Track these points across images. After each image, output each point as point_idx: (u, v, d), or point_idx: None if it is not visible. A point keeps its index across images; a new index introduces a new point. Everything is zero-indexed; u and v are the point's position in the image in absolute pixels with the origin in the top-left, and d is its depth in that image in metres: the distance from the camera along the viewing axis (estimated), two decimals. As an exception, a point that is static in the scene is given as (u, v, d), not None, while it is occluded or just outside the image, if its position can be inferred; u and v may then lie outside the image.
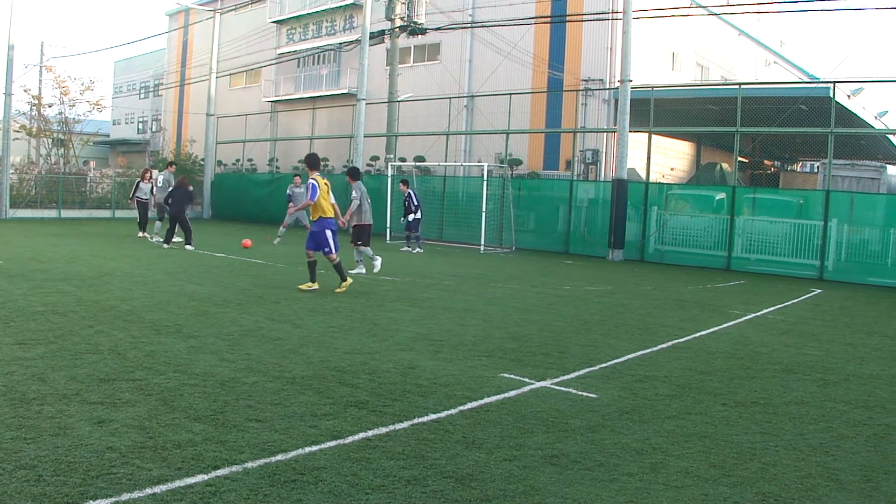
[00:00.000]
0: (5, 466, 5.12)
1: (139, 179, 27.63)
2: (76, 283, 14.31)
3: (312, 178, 14.02)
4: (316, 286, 14.36)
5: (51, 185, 40.57)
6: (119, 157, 65.58)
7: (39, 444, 5.59)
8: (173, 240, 22.84)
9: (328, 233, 14.16)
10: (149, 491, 4.84)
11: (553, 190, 28.78)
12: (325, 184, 14.19)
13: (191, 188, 24.35)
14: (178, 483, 4.98)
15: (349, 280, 14.55)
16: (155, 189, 26.06)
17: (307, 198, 14.09)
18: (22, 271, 15.72)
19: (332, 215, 14.30)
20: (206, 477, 5.11)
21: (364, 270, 17.59)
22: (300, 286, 14.48)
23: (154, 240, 24.41)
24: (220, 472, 5.21)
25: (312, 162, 14.47)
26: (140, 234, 26.65)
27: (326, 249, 14.13)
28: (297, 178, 27.39)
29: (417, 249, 24.51)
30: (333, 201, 14.44)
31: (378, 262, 17.37)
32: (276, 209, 38.13)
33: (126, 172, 44.94)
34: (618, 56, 29.90)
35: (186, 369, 8.01)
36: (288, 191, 26.98)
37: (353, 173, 17.59)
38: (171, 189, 23.59)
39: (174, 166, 27.09)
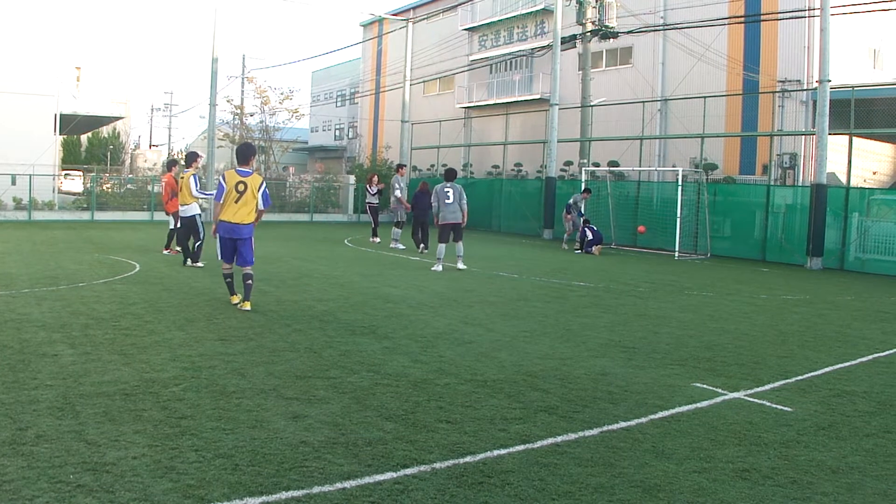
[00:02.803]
0: (205, 455, 5.51)
1: (367, 185, 28.16)
2: (276, 283, 15.03)
3: (222, 174, 12.20)
4: (236, 300, 12.32)
5: (252, 190, 42.42)
6: (317, 163, 67.88)
7: (237, 435, 5.98)
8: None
9: (217, 237, 12.08)
10: (339, 485, 5.07)
11: (749, 195, 28.02)
12: (242, 182, 11.86)
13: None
14: (367, 479, 5.19)
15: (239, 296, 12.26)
16: (400, 193, 25.51)
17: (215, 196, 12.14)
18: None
19: (230, 219, 11.89)
20: (394, 475, 5.29)
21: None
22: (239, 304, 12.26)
23: (392, 245, 24.62)
24: (408, 471, 5.37)
25: (238, 153, 12.37)
26: (372, 239, 26.98)
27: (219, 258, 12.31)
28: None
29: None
30: (263, 206, 12.12)
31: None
32: (469, 213, 38.68)
33: (324, 178, 46.54)
34: (815, 55, 28.77)
35: (380, 369, 8.31)
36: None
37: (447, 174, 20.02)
38: (416, 195, 24.60)
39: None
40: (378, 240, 26.58)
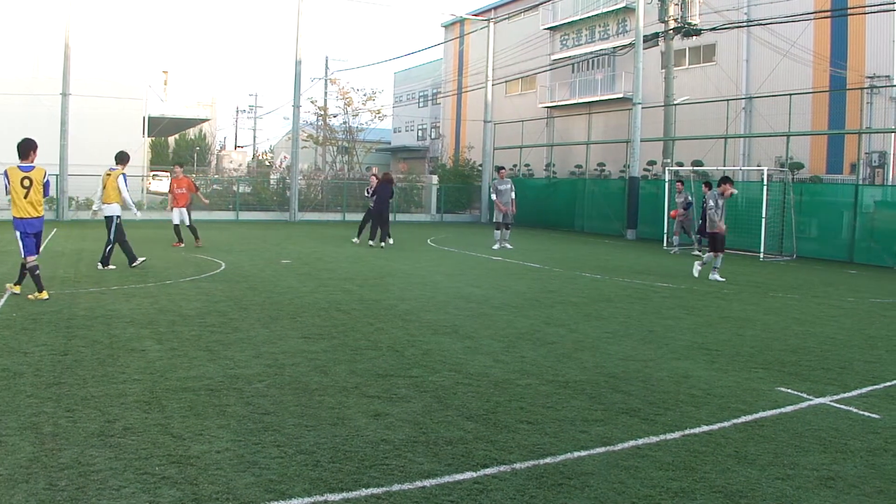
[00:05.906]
0: (287, 450, 5.61)
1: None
2: (359, 282, 15.21)
3: (4, 171, 12.13)
4: (44, 296, 12.08)
5: (336, 190, 43.03)
6: (400, 163, 68.26)
7: (319, 432, 6.06)
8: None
9: (17, 234, 12.13)
10: (419, 484, 5.10)
11: (836, 195, 27.30)
12: (28, 177, 11.91)
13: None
14: (447, 478, 5.22)
15: (46, 293, 12.15)
16: (496, 196, 24.78)
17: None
18: (309, 270, 16.92)
19: (28, 215, 12.02)
20: (474, 474, 5.30)
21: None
22: (30, 295, 12.13)
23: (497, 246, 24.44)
24: (488, 471, 5.38)
25: (19, 149, 12.16)
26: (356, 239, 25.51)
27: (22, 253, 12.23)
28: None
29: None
30: (45, 196, 12.24)
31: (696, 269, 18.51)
32: (552, 213, 38.68)
33: (407, 178, 46.85)
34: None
35: (461, 369, 8.34)
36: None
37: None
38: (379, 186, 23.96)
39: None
40: (365, 243, 24.37)
